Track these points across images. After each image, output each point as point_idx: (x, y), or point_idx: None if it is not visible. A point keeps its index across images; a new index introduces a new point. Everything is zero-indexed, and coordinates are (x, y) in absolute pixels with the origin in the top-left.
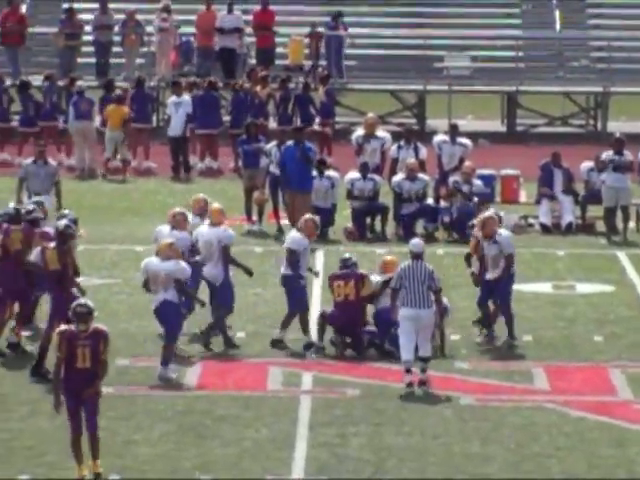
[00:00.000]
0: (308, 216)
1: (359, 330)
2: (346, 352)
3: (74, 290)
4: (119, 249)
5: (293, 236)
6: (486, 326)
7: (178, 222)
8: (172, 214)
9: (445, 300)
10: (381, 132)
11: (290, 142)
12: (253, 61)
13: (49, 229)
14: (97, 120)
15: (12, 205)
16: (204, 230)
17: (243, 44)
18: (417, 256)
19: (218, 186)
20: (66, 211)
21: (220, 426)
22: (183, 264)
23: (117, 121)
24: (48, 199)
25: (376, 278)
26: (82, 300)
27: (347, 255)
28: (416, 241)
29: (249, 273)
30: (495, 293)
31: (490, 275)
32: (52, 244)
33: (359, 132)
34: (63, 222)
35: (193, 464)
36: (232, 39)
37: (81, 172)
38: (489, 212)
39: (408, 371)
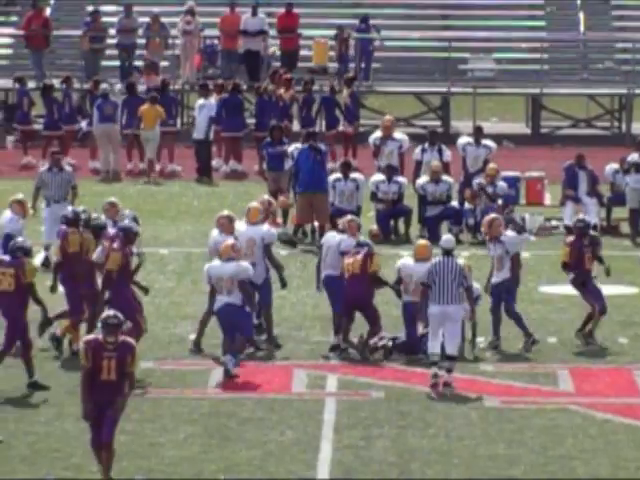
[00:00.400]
0: (350, 217)
1: (369, 304)
2: (371, 356)
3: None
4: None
5: (342, 238)
6: (494, 332)
7: (223, 225)
8: (217, 218)
9: (476, 286)
10: (398, 134)
11: (304, 145)
12: (277, 63)
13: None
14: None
15: (70, 208)
16: (243, 229)
17: (267, 47)
18: (448, 252)
19: (242, 189)
20: (126, 211)
21: (245, 429)
22: (245, 264)
23: (151, 121)
24: (66, 206)
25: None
26: (112, 312)
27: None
28: (447, 237)
29: (283, 282)
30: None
31: (496, 278)
32: (115, 244)
33: (376, 134)
34: (127, 222)
35: (218, 466)
36: (256, 42)
37: (106, 175)
38: (493, 214)
39: (434, 363)
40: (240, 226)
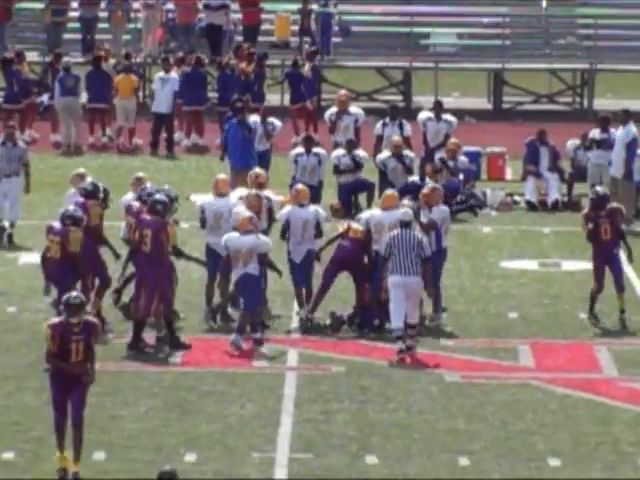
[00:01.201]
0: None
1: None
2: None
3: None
4: (106, 225)
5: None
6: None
7: (252, 205)
8: (246, 197)
9: (445, 243)
10: (354, 108)
11: (232, 120)
12: (239, 37)
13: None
14: (83, 96)
15: (89, 180)
16: (296, 211)
17: (230, 20)
18: (406, 224)
19: (204, 163)
20: (166, 186)
21: (205, 402)
22: (264, 238)
23: (127, 90)
24: (18, 181)
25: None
26: (74, 292)
27: None
28: (405, 210)
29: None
30: None
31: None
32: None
33: (332, 109)
34: (157, 196)
35: (178, 440)
36: (218, 15)
37: (67, 148)
38: (433, 184)
39: (399, 338)
40: (290, 209)
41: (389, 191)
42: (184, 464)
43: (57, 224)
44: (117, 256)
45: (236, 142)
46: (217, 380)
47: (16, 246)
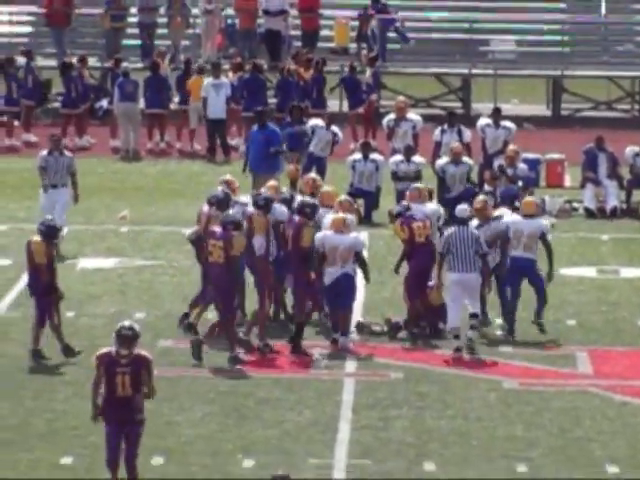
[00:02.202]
0: (343, 197)
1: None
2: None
3: None
4: (163, 231)
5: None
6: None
7: (345, 209)
8: (338, 202)
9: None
10: (412, 114)
11: (255, 126)
12: (298, 43)
13: None
14: (141, 102)
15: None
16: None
17: (289, 26)
18: (462, 222)
19: None
20: (262, 190)
21: (262, 408)
22: (361, 238)
23: (199, 92)
24: (66, 192)
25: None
26: (126, 322)
27: None
28: (461, 207)
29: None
30: None
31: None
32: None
33: (390, 116)
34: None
35: (235, 445)
36: (277, 21)
37: (126, 153)
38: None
39: (456, 337)
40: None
41: (529, 198)
42: (241, 470)
43: (218, 229)
44: None
45: (256, 147)
46: (274, 386)
47: (73, 252)
